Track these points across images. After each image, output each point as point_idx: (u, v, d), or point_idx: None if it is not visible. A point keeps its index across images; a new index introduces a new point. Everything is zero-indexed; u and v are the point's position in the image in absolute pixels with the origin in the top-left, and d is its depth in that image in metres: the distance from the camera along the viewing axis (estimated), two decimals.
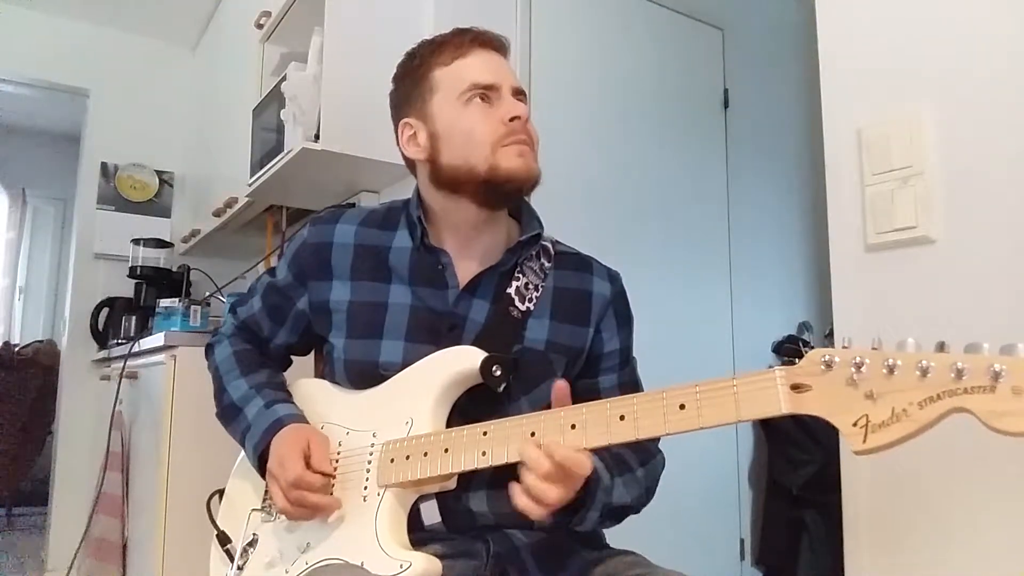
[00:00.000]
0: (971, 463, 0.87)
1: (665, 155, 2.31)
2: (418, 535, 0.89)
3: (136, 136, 3.30)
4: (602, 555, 0.96)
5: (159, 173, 3.33)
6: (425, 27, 1.89)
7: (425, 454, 0.86)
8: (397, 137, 1.04)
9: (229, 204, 2.55)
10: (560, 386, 0.82)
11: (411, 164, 1.04)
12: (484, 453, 0.82)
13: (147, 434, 2.14)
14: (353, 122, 1.81)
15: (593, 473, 0.85)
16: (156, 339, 2.10)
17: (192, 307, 2.34)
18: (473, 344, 0.92)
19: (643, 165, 2.26)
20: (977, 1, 0.91)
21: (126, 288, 3.04)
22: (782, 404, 0.66)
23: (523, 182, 0.96)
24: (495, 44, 1.01)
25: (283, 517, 0.95)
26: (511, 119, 0.95)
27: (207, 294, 2.66)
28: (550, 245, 1.06)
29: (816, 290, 2.60)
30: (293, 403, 1.02)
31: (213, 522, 1.05)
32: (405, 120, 1.02)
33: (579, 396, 0.82)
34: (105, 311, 3.04)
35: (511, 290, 0.98)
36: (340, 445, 0.95)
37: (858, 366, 0.62)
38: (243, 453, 1.04)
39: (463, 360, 0.90)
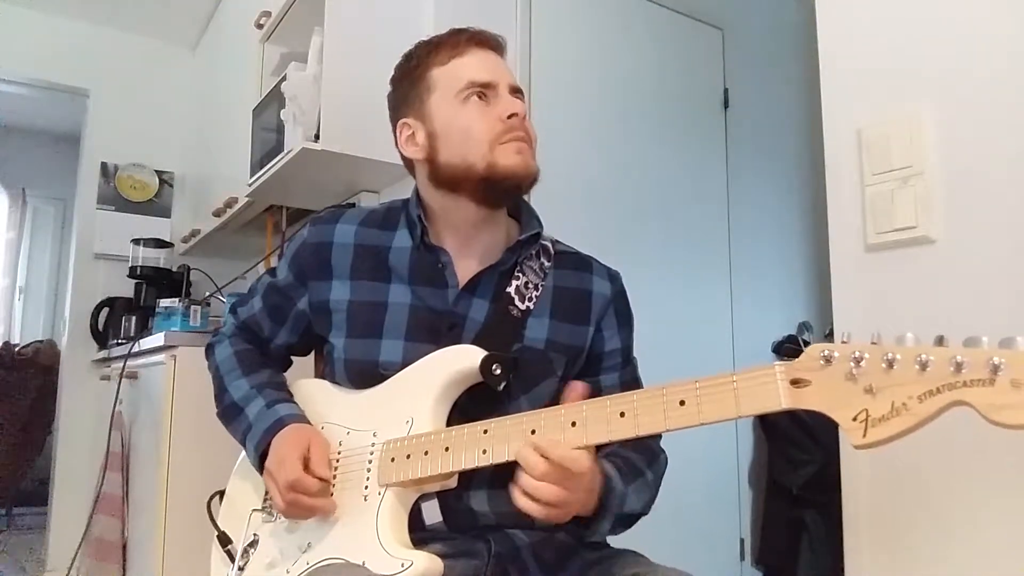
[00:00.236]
0: (971, 458, 0.87)
1: (665, 155, 2.31)
2: (419, 534, 0.89)
3: (136, 136, 3.30)
4: (602, 555, 0.96)
5: (159, 173, 3.33)
6: (425, 27, 1.88)
7: (426, 453, 0.86)
8: (396, 138, 1.04)
9: (229, 204, 2.55)
10: (575, 385, 0.82)
11: (410, 164, 1.05)
12: (485, 451, 0.82)
13: (147, 434, 2.14)
14: (353, 122, 1.81)
15: (608, 483, 0.85)
16: (156, 339, 2.10)
17: (192, 307, 2.34)
18: (473, 343, 0.92)
19: (643, 165, 2.26)
20: (977, 1, 0.91)
21: (126, 288, 3.04)
22: (782, 399, 0.66)
23: (521, 179, 0.96)
24: (492, 43, 1.02)
25: (284, 517, 0.95)
26: (509, 116, 0.96)
27: (207, 294, 2.66)
28: (550, 244, 1.06)
29: (816, 290, 2.60)
30: (294, 403, 1.02)
31: (214, 523, 1.05)
32: (403, 120, 1.02)
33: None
34: (105, 311, 3.04)
35: (511, 289, 0.99)
36: (341, 445, 0.95)
37: (857, 361, 0.62)
38: (244, 453, 1.04)
39: (463, 359, 0.91)
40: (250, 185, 2.16)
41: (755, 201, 2.52)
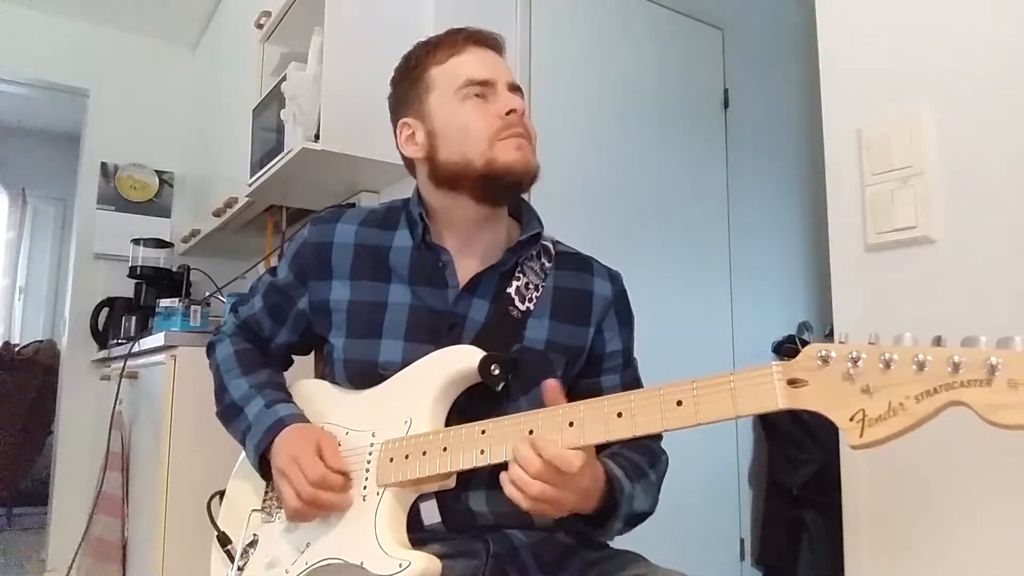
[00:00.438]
0: (970, 458, 0.87)
1: (665, 155, 2.31)
2: (418, 535, 0.89)
3: (136, 136, 3.30)
4: (602, 555, 0.96)
5: (159, 173, 3.33)
6: (425, 27, 1.89)
7: (424, 453, 0.86)
8: (396, 138, 1.04)
9: (229, 204, 2.55)
10: (551, 384, 0.81)
11: (410, 164, 1.05)
12: (483, 452, 0.82)
13: (147, 434, 2.14)
14: (353, 122, 1.81)
15: (616, 483, 0.85)
16: (156, 339, 2.10)
17: (192, 307, 2.34)
18: (473, 343, 0.92)
19: (643, 165, 2.26)
20: (977, 1, 0.91)
21: (126, 288, 3.04)
22: (779, 399, 0.66)
23: (521, 175, 0.96)
24: (490, 41, 1.02)
25: (283, 517, 0.95)
26: (507, 112, 0.96)
27: (207, 294, 2.66)
28: (550, 245, 1.06)
29: (816, 290, 2.60)
30: (294, 403, 1.02)
31: (214, 523, 1.05)
32: (403, 120, 1.02)
33: (582, 396, 0.82)
34: (105, 311, 3.04)
35: (511, 290, 0.99)
36: (340, 445, 0.95)
37: (854, 361, 0.62)
38: (243, 454, 1.04)
39: (462, 359, 0.91)
40: (250, 185, 2.16)
41: (755, 201, 2.52)
